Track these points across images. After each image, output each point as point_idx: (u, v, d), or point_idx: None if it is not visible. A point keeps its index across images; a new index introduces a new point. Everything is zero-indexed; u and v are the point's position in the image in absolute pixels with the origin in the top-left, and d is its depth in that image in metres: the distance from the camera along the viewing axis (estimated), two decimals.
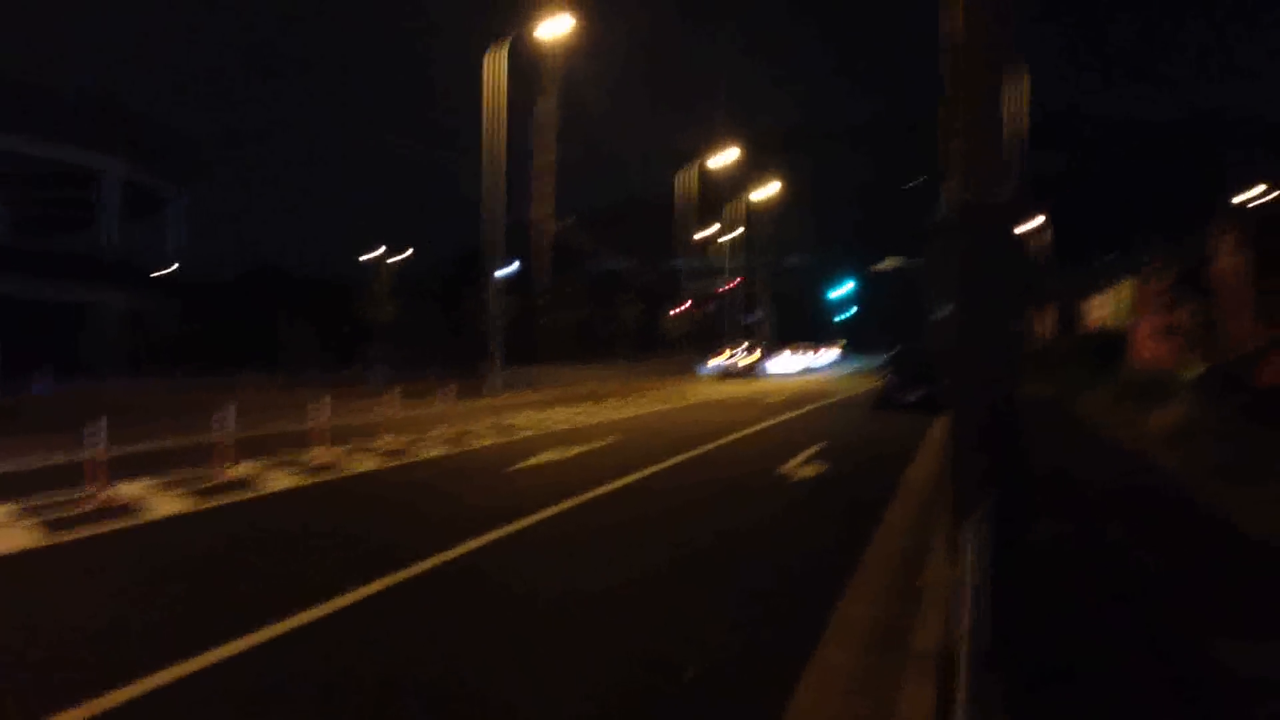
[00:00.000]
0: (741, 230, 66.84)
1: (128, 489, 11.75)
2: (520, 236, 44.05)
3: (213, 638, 6.03)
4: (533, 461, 14.51)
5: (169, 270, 55.38)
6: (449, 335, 52.45)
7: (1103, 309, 32.77)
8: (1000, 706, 4.47)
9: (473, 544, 8.71)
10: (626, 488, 12.10)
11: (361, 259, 52.87)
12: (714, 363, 51.52)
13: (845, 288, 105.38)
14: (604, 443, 17.14)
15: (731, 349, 51.32)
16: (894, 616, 6.55)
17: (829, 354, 73.04)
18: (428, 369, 31.61)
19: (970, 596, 4.21)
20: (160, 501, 11.00)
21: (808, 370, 62.58)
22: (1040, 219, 49.59)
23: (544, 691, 5.30)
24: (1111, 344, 26.06)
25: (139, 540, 9.14)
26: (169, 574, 7.82)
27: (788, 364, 63.69)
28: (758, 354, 49.91)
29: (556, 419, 22.21)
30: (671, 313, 66.26)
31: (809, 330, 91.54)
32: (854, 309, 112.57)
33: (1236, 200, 16.72)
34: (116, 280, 48.18)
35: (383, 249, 47.91)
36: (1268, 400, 10.46)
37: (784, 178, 76.87)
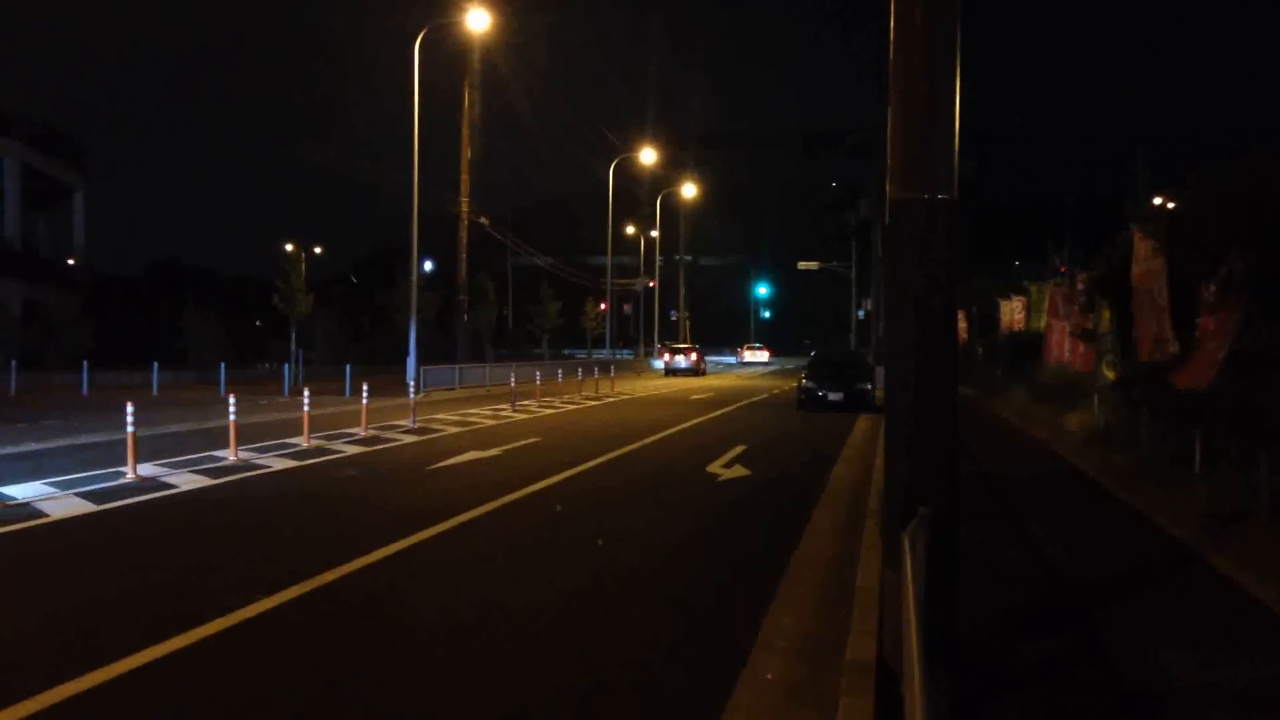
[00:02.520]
0: (659, 231, 67.03)
1: (18, 490, 11.14)
2: (440, 231, 43.33)
3: (114, 652, 5.62)
4: (453, 461, 14.15)
5: (72, 263, 53.30)
6: (366, 331, 51.45)
7: (1018, 312, 33.40)
8: (949, 717, 4.34)
9: (389, 549, 8.36)
10: (550, 488, 11.82)
11: (276, 252, 51.58)
12: (661, 359, 55.42)
13: (766, 289, 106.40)
14: (527, 441, 16.83)
15: (676, 347, 55.11)
16: (826, 624, 6.42)
17: (760, 354, 78.64)
18: (344, 365, 30.84)
19: (916, 605, 4.07)
20: (58, 505, 10.41)
21: (742, 366, 67.04)
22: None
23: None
24: (1027, 346, 26.53)
25: (24, 544, 8.60)
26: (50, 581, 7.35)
27: (722, 361, 71.87)
28: (696, 353, 53.68)
29: (478, 417, 21.81)
30: (594, 310, 66.10)
31: (730, 330, 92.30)
32: (775, 310, 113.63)
33: (1154, 203, 17.11)
34: (15, 271, 46.13)
35: (290, 246, 46.69)
36: (1185, 403, 10.63)
37: (707, 179, 77.39)
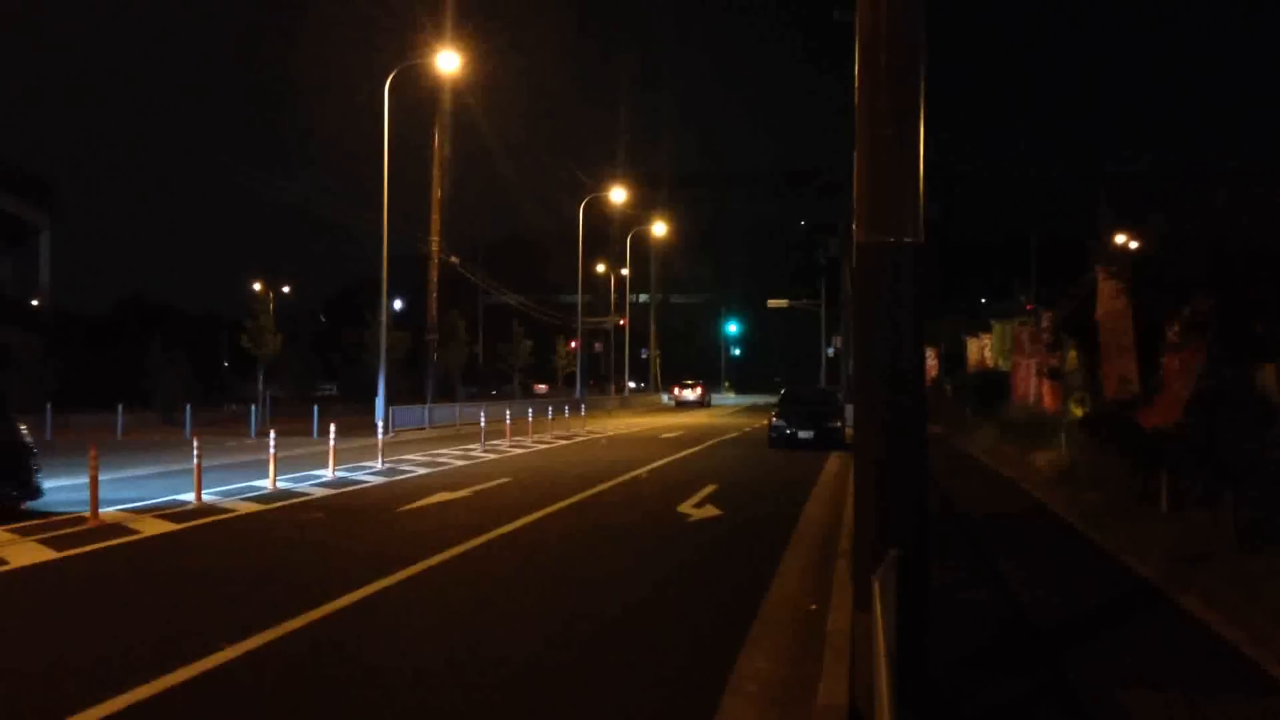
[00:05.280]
0: (630, 269, 67.41)
1: None
2: (410, 269, 43.22)
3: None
4: (422, 503, 14.02)
5: (37, 303, 52.66)
6: (335, 370, 51.12)
7: (985, 350, 33.73)
8: None
9: (355, 595, 8.25)
10: (519, 531, 11.74)
11: (245, 290, 51.28)
12: (670, 394, 66.25)
13: (736, 326, 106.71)
14: (498, 482, 16.72)
15: (685, 382, 64.98)
16: (798, 667, 6.38)
17: (731, 394, 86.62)
18: (312, 405, 30.59)
19: (886, 648, 4.06)
20: (17, 552, 10.20)
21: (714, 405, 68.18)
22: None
23: None
24: (995, 384, 26.75)
25: None
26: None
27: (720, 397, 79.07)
28: (702, 387, 63.34)
29: (448, 457, 21.66)
30: (565, 348, 66.15)
31: (700, 368, 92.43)
32: (745, 347, 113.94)
33: (1116, 242, 17.39)
34: None
35: (258, 285, 46.39)
36: (1151, 442, 10.75)
37: (678, 217, 77.84)
